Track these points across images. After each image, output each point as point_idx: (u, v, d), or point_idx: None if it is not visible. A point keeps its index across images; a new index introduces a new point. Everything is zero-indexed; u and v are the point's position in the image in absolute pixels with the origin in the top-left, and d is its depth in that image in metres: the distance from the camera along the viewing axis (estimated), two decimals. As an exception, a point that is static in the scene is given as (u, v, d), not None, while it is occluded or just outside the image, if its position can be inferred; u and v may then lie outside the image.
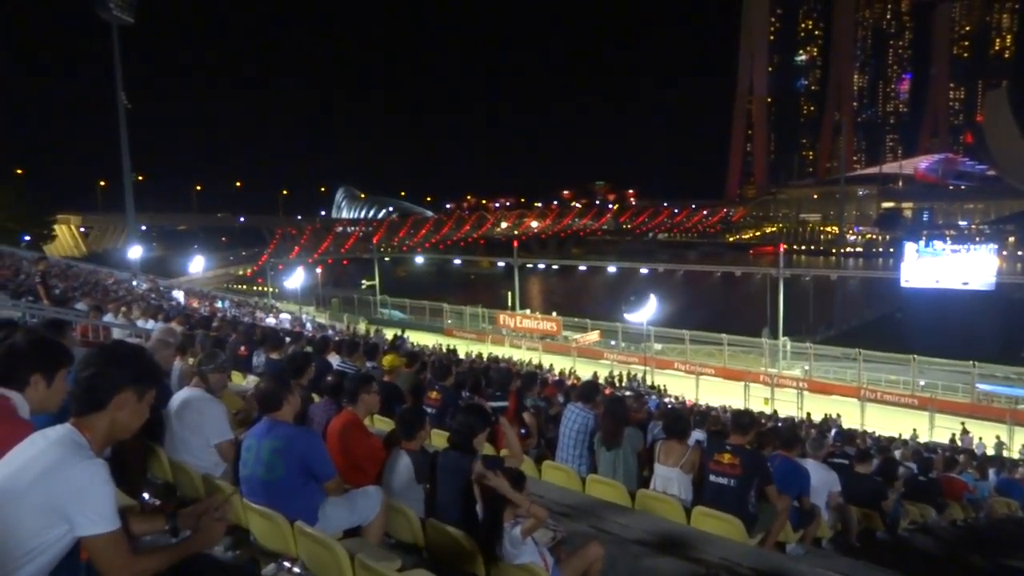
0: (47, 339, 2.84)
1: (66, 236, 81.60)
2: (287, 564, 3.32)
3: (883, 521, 7.21)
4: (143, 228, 69.84)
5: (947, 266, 35.64)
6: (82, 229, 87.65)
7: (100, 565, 2.03)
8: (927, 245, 37.81)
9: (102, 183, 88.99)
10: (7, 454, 2.07)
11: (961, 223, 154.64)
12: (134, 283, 29.74)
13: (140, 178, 49.93)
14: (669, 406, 15.72)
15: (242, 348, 9.73)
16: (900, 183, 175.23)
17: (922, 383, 28.35)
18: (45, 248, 60.68)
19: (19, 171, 74.78)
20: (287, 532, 3.41)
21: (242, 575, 2.69)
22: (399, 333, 28.88)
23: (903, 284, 37.39)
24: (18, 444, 2.10)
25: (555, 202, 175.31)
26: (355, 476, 4.26)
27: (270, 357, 8.63)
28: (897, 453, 13.40)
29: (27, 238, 58.69)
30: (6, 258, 28.31)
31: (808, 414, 23.88)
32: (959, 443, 20.76)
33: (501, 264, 71.08)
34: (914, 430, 22.70)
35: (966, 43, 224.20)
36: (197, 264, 61.57)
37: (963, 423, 23.53)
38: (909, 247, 37.53)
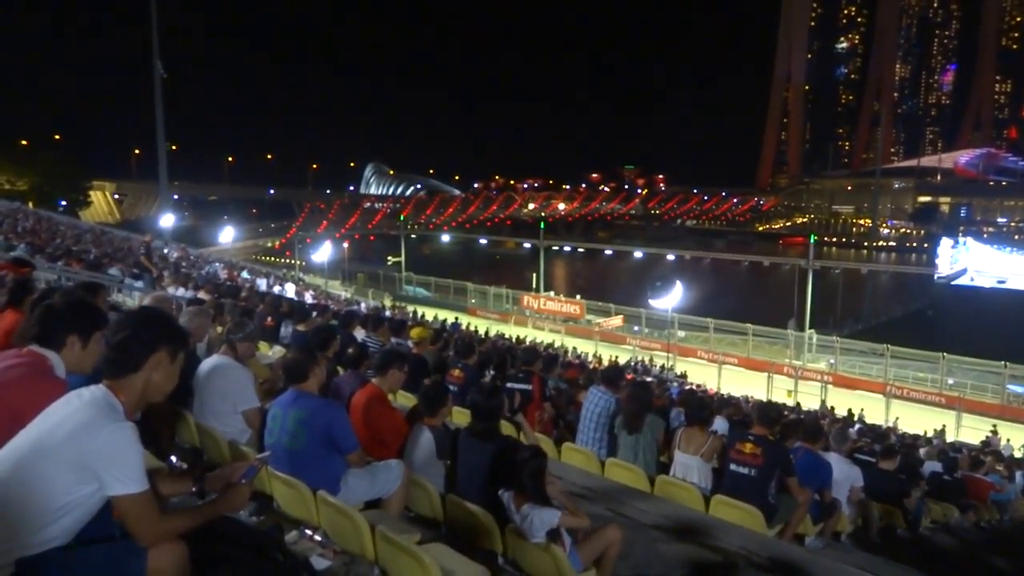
0: (84, 301, 2.90)
1: (101, 203, 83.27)
2: (309, 532, 3.38)
3: (905, 518, 7.14)
4: (175, 197, 70.89)
5: (983, 264, 34.86)
6: (116, 196, 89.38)
7: (129, 523, 2.09)
8: (963, 242, 37.02)
9: (136, 151, 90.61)
10: (44, 411, 2.13)
11: (1000, 220, 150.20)
12: (165, 251, 30.21)
13: (174, 148, 50.56)
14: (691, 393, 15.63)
15: (269, 319, 9.86)
16: (938, 177, 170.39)
17: (951, 382, 27.82)
18: (81, 214, 61.94)
19: (57, 137, 76.42)
20: (309, 501, 3.47)
21: (266, 540, 2.74)
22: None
23: (936, 280, 36.65)
24: (54, 402, 2.15)
25: (583, 185, 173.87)
26: (377, 449, 4.32)
27: (297, 329, 8.73)
28: (922, 451, 13.22)
29: (64, 203, 60.03)
30: (44, 222, 28.96)
31: (832, 407, 23.60)
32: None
33: (527, 245, 70.97)
34: (935, 430, 22.28)
35: (1016, 34, 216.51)
36: (227, 234, 62.50)
37: (994, 425, 23.04)
38: (944, 243, 36.77)
